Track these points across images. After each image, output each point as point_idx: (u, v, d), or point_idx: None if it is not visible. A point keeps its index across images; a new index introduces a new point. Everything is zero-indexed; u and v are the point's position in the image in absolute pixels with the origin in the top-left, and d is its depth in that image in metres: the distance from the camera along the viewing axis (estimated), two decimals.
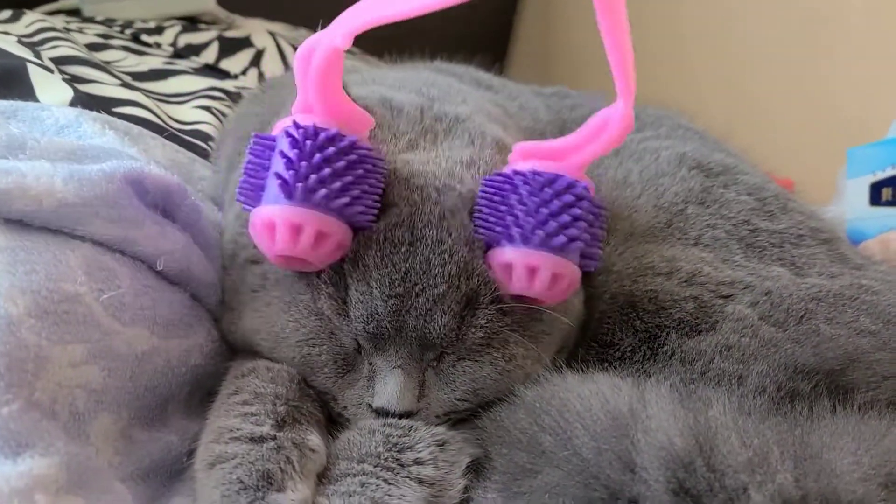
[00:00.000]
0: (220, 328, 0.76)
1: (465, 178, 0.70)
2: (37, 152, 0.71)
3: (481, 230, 0.66)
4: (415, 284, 0.64)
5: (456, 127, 0.77)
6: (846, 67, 1.64)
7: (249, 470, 0.56)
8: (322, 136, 0.61)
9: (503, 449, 0.61)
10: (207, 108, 1.22)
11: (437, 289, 0.64)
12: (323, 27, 0.61)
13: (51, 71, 1.05)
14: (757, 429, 0.56)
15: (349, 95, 0.74)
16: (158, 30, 1.63)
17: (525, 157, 0.68)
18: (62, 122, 0.82)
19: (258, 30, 1.80)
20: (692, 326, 0.72)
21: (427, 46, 1.20)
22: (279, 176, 0.61)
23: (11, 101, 0.85)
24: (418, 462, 0.60)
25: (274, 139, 0.64)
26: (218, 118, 1.19)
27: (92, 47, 1.40)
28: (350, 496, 0.57)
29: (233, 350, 0.75)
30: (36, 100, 0.96)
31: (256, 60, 1.63)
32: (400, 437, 0.62)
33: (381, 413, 0.65)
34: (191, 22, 1.76)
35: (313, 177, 0.60)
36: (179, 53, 1.57)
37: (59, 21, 1.50)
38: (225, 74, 1.52)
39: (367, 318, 0.64)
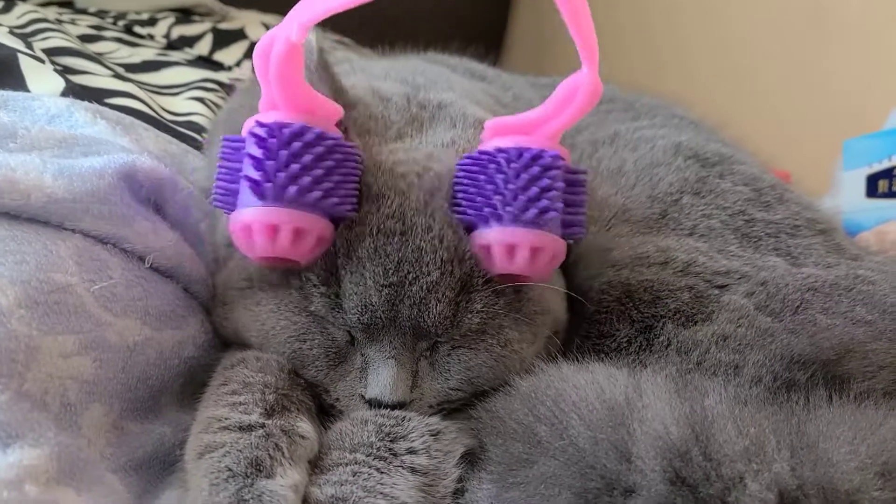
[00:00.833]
0: (212, 320, 0.76)
1: (443, 158, 0.70)
2: (27, 141, 0.71)
3: (460, 216, 0.66)
4: (408, 273, 0.63)
5: (439, 113, 0.76)
6: (843, 59, 1.63)
7: (238, 458, 0.55)
8: (286, 132, 0.60)
9: (498, 439, 0.61)
10: (201, 100, 1.21)
11: (431, 276, 0.63)
12: None
13: (42, 61, 1.04)
14: (753, 418, 0.56)
15: (342, 87, 0.74)
16: (151, 21, 1.62)
17: (496, 134, 0.67)
18: (53, 111, 0.82)
19: (252, 22, 1.79)
20: (688, 316, 0.72)
21: (421, 37, 1.19)
22: (249, 178, 0.60)
23: (2, 91, 0.84)
24: (411, 451, 0.60)
25: (242, 141, 0.63)
26: (211, 109, 1.19)
27: (84, 39, 1.39)
28: (342, 485, 0.56)
29: (225, 342, 0.75)
30: (27, 90, 0.96)
31: (251, 52, 1.62)
32: (393, 426, 0.62)
33: (373, 404, 0.65)
34: (184, 14, 1.75)
35: (281, 175, 0.59)
36: (173, 45, 1.56)
37: (51, 12, 1.49)
38: (219, 66, 1.52)
39: (362, 309, 0.63)
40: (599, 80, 0.61)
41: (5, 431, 0.51)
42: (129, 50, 1.43)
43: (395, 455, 0.60)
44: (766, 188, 0.85)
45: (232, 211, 0.63)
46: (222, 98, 1.24)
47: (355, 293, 0.63)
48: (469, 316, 0.65)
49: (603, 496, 0.52)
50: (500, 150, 0.64)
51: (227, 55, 1.57)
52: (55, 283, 0.61)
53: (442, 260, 0.64)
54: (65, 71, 1.07)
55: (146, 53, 1.44)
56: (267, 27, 1.77)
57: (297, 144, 0.60)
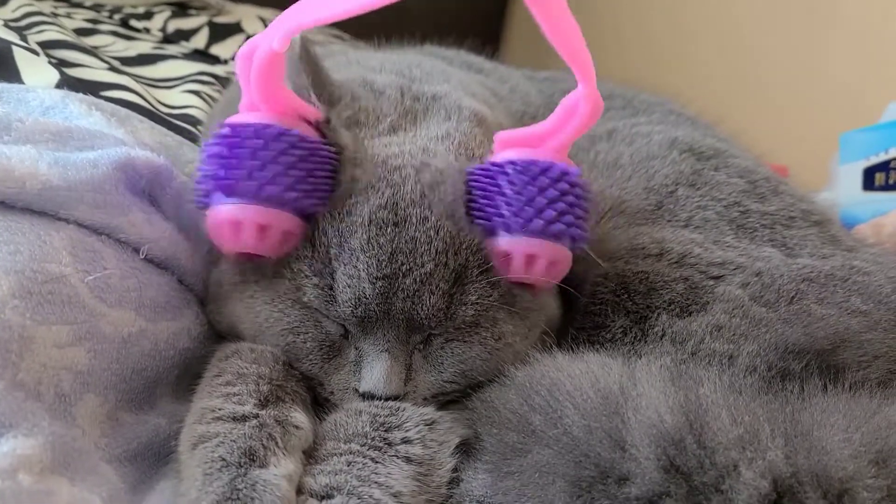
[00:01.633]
0: (206, 312, 0.76)
1: (440, 152, 0.70)
2: (21, 133, 0.70)
3: (478, 221, 0.66)
4: (402, 265, 0.63)
5: (433, 105, 0.77)
6: (840, 53, 1.63)
7: (231, 448, 0.55)
8: (249, 130, 0.62)
9: (493, 429, 0.61)
10: (197, 93, 1.21)
11: (425, 268, 0.63)
12: None
13: (37, 54, 1.04)
14: (748, 407, 0.56)
15: (328, 80, 0.74)
16: (147, 15, 1.61)
17: (508, 146, 0.68)
18: (48, 103, 0.81)
19: (249, 15, 1.79)
20: (683, 307, 0.72)
21: (419, 31, 1.19)
22: (212, 176, 0.62)
23: None
24: (406, 441, 0.60)
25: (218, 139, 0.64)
26: (207, 103, 1.19)
27: (80, 32, 1.39)
28: (336, 474, 0.57)
29: (220, 334, 0.75)
30: (21, 83, 0.95)
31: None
32: (387, 416, 0.62)
33: (367, 398, 0.65)
34: (180, 7, 1.75)
35: (240, 171, 0.61)
36: (169, 38, 1.56)
37: (46, 5, 1.49)
38: (215, 60, 1.52)
39: (356, 301, 0.63)
40: (599, 95, 0.62)
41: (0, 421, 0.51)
42: (124, 43, 1.43)
43: (389, 445, 0.60)
44: (760, 180, 0.85)
45: (206, 208, 0.64)
46: (218, 91, 1.24)
47: (349, 285, 0.63)
48: (463, 308, 0.65)
49: (597, 484, 0.52)
50: (530, 162, 0.65)
51: (223, 49, 1.57)
52: (49, 274, 0.61)
53: (437, 250, 0.64)
54: (60, 64, 1.07)
55: (142, 47, 1.44)
56: (263, 21, 1.76)
57: (256, 141, 0.61)
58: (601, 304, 0.74)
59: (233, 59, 1.54)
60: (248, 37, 1.65)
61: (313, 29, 0.71)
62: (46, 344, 0.58)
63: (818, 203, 0.89)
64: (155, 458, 0.65)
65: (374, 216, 0.64)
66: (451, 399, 0.68)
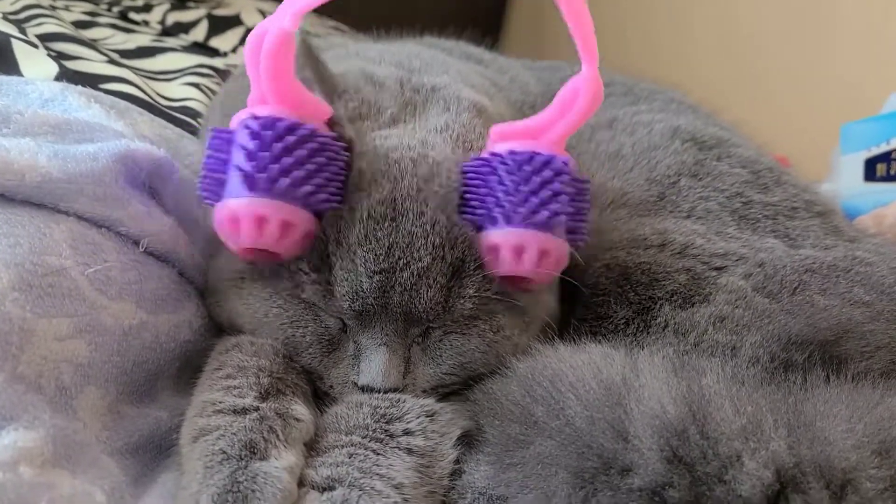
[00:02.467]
0: (206, 305, 0.75)
1: (437, 144, 0.69)
2: (21, 126, 0.70)
3: (467, 216, 0.66)
4: (399, 259, 0.63)
5: (433, 96, 0.76)
6: (841, 44, 1.63)
7: (232, 441, 0.55)
8: (281, 125, 0.60)
9: (495, 420, 0.61)
10: (196, 85, 1.21)
11: (422, 262, 0.63)
12: None
13: (35, 46, 1.03)
14: (750, 397, 0.56)
15: (328, 73, 0.73)
16: (146, 7, 1.61)
17: (502, 139, 0.67)
18: (47, 95, 0.81)
19: (248, 8, 1.78)
20: (685, 298, 0.72)
21: (419, 22, 1.18)
22: (240, 168, 0.60)
23: None
24: (407, 433, 0.60)
25: (232, 132, 0.62)
26: (207, 95, 1.18)
27: (79, 25, 1.38)
28: (338, 466, 0.56)
29: (220, 328, 0.75)
30: (20, 75, 0.95)
31: (246, 38, 1.62)
32: (388, 408, 0.62)
33: (366, 391, 0.65)
34: (179, 0, 1.74)
35: (275, 167, 0.59)
36: (168, 31, 1.55)
37: None
38: (214, 52, 1.51)
39: (353, 295, 0.63)
40: (600, 79, 0.61)
41: (0, 414, 0.51)
42: (123, 36, 1.43)
43: (390, 436, 0.60)
44: (763, 170, 0.84)
45: (217, 202, 0.62)
46: (217, 84, 1.24)
47: (346, 280, 0.63)
48: (461, 301, 0.65)
49: (600, 475, 0.52)
50: (511, 153, 0.64)
51: (222, 41, 1.57)
52: (49, 266, 0.60)
53: (433, 245, 0.63)
54: (59, 57, 1.07)
55: (141, 39, 1.43)
56: (263, 13, 1.76)
57: (291, 138, 0.60)
58: (603, 295, 0.74)
59: (233, 51, 1.53)
60: (248, 29, 1.65)
61: (314, 22, 0.71)
62: (47, 336, 0.58)
63: (821, 194, 0.88)
64: (156, 451, 0.65)
65: (372, 211, 0.64)
66: (451, 391, 0.68)
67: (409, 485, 0.57)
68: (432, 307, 0.64)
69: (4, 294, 0.56)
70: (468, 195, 0.66)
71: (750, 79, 1.84)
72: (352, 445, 0.59)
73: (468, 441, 0.63)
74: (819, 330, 0.68)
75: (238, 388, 0.61)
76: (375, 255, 0.63)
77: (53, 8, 1.42)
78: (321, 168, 0.62)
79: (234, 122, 0.63)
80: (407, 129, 0.71)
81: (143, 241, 0.69)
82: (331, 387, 0.67)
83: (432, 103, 0.75)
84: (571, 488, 0.53)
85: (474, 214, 0.65)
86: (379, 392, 0.64)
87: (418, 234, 0.63)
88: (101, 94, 0.88)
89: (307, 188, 0.60)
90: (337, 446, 0.59)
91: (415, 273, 0.63)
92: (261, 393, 0.61)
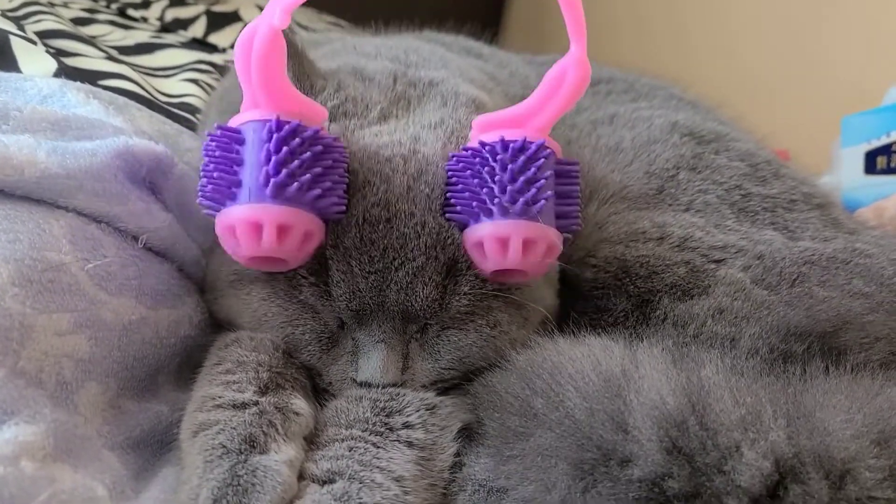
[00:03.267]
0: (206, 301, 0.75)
1: (429, 140, 0.68)
2: (20, 122, 0.70)
3: (451, 215, 0.65)
4: (393, 259, 0.63)
5: (430, 91, 0.75)
6: (841, 36, 1.62)
7: (232, 435, 0.55)
8: (286, 127, 0.59)
9: (495, 413, 0.61)
10: (195, 81, 1.21)
11: (416, 262, 0.63)
12: None
13: (34, 43, 1.03)
14: (750, 388, 0.56)
15: (309, 70, 0.72)
16: (145, 4, 1.61)
17: (482, 130, 0.66)
18: (45, 91, 0.81)
19: (246, 4, 1.78)
20: (684, 290, 0.72)
21: (418, 16, 1.18)
22: (246, 174, 0.59)
23: None
24: (407, 426, 0.60)
25: (229, 135, 0.61)
26: (206, 91, 1.18)
27: (77, 21, 1.38)
28: (338, 459, 0.57)
29: (219, 323, 0.75)
30: (19, 72, 0.95)
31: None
32: (388, 401, 0.62)
33: (365, 387, 0.64)
34: None
35: (283, 171, 0.58)
36: (167, 27, 1.55)
37: None
38: (213, 48, 1.51)
39: (350, 296, 0.63)
40: (587, 59, 0.60)
41: (1, 409, 0.52)
42: (122, 33, 1.43)
43: (390, 430, 0.60)
44: (762, 163, 0.84)
45: (217, 210, 0.61)
46: (216, 79, 1.24)
47: (342, 281, 0.63)
48: (457, 298, 0.65)
49: (599, 466, 0.52)
50: (483, 145, 0.63)
51: (221, 37, 1.56)
52: (49, 262, 0.60)
53: (426, 245, 0.63)
54: (58, 53, 1.07)
55: (140, 36, 1.43)
56: (261, 9, 1.75)
57: (296, 141, 0.59)
58: (602, 288, 0.74)
59: (231, 47, 1.53)
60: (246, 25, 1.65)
61: (312, 18, 0.70)
62: (47, 332, 0.58)
63: (820, 186, 0.88)
64: (157, 446, 0.65)
65: (368, 214, 0.63)
66: (451, 385, 0.68)
67: (409, 477, 0.57)
68: (428, 305, 0.64)
69: (4, 290, 0.56)
70: (451, 193, 0.65)
71: (750, 72, 1.84)
72: (352, 439, 0.59)
73: (468, 434, 0.63)
74: (818, 321, 0.68)
75: (237, 382, 0.61)
76: (370, 256, 0.63)
77: (52, 5, 1.42)
78: (326, 171, 0.61)
79: (235, 123, 0.62)
80: (399, 125, 0.71)
81: (143, 237, 0.69)
82: (330, 383, 0.67)
83: (429, 98, 0.75)
84: (571, 479, 0.53)
85: (457, 213, 0.64)
86: (378, 388, 0.64)
87: (410, 236, 0.63)
88: (100, 90, 0.88)
89: (315, 192, 0.59)
90: (337, 440, 0.59)
91: (410, 272, 0.63)
92: (260, 387, 0.61)
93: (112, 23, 1.47)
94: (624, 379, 0.56)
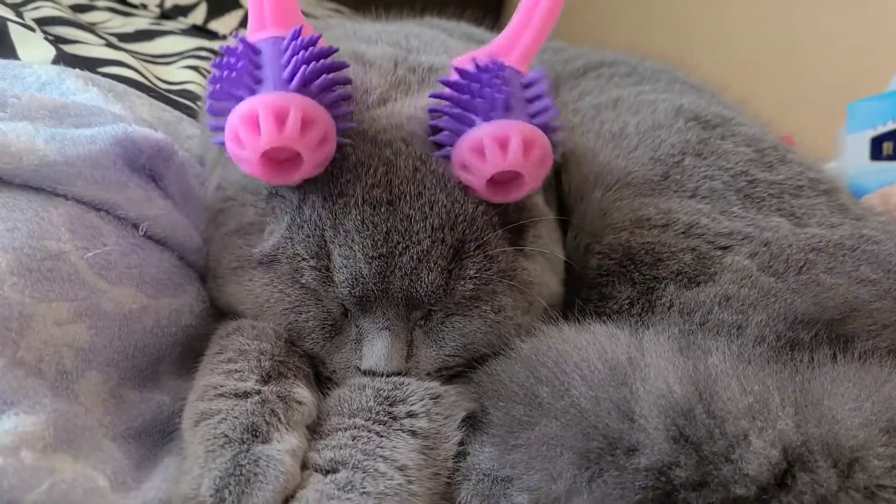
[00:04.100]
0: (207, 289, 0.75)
1: (426, 120, 0.68)
2: (17, 110, 0.69)
3: (447, 133, 0.65)
4: (398, 244, 0.62)
5: (430, 76, 0.75)
6: (847, 21, 1.61)
7: (233, 424, 0.55)
8: (309, 36, 0.61)
9: (500, 402, 0.61)
10: (195, 68, 1.20)
11: (421, 245, 0.62)
12: None
13: (32, 30, 1.02)
14: (757, 376, 0.55)
15: None
16: None
17: (456, 65, 0.68)
18: (44, 78, 0.80)
19: None
20: (690, 278, 0.71)
21: (420, 2, 1.17)
22: (268, 72, 0.60)
23: None
24: (411, 415, 0.60)
25: (246, 45, 0.63)
26: (206, 78, 1.17)
27: (76, 9, 1.37)
28: (341, 449, 0.56)
29: (221, 312, 0.74)
30: (17, 59, 0.94)
31: (246, 21, 1.60)
32: (391, 390, 0.61)
33: (369, 375, 0.64)
34: None
35: (308, 68, 0.59)
36: (166, 14, 1.54)
37: None
38: (213, 35, 1.50)
39: (352, 282, 0.63)
40: None
41: (0, 399, 0.51)
42: (121, 20, 1.41)
43: (394, 419, 0.59)
44: (768, 149, 0.83)
45: (227, 114, 0.60)
46: None
47: (345, 266, 0.63)
48: (462, 283, 0.65)
49: (605, 455, 0.52)
50: (457, 70, 0.66)
51: (221, 24, 1.55)
52: (48, 251, 0.60)
53: (433, 227, 0.63)
54: (57, 40, 1.06)
55: (139, 23, 1.42)
56: None
57: (315, 49, 0.61)
58: (607, 275, 0.74)
59: (231, 34, 1.52)
60: (247, 12, 1.64)
61: (313, 4, 0.70)
62: (46, 321, 0.57)
63: (826, 171, 0.88)
64: (159, 435, 0.65)
65: (367, 195, 0.63)
66: (455, 374, 0.67)
67: (413, 466, 0.56)
68: (433, 290, 0.63)
69: (3, 278, 0.56)
70: (444, 111, 0.66)
71: (755, 56, 1.83)
72: (355, 428, 0.58)
73: (473, 423, 0.62)
74: (825, 309, 0.67)
75: (239, 371, 0.61)
76: (374, 240, 0.62)
77: None
78: (341, 81, 0.63)
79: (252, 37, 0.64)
80: (395, 108, 0.70)
81: (143, 225, 0.69)
82: (333, 371, 0.67)
83: (429, 84, 0.74)
84: (577, 469, 0.53)
85: (455, 129, 0.65)
86: (382, 376, 0.63)
87: (416, 218, 0.63)
88: (99, 77, 0.87)
89: (336, 93, 0.61)
90: (340, 429, 0.59)
91: (414, 257, 0.62)
92: (262, 376, 0.60)
93: (111, 10, 1.46)
94: (630, 367, 0.56)
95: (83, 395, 0.59)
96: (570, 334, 0.62)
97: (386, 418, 0.59)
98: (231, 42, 0.64)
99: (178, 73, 1.17)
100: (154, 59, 1.24)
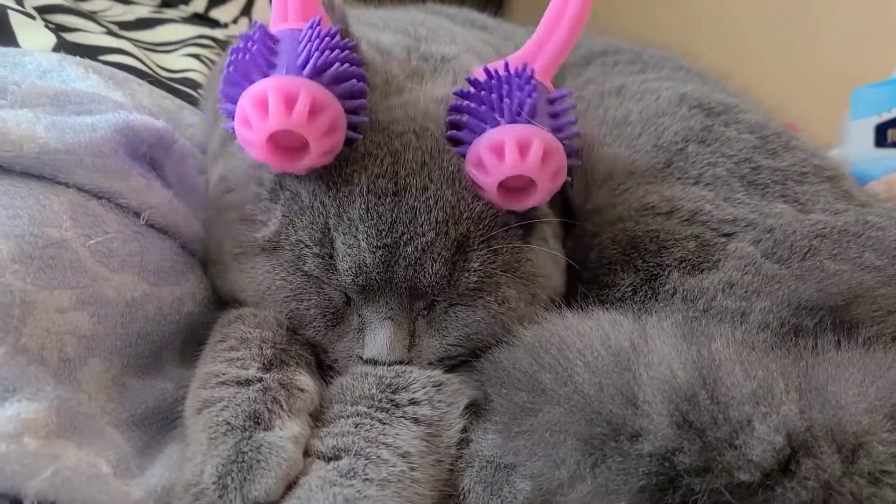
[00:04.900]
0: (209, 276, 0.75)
1: (442, 115, 0.68)
2: (18, 97, 0.69)
3: (467, 131, 0.65)
4: (402, 234, 0.62)
5: (442, 67, 0.75)
6: (851, 8, 1.60)
7: (236, 411, 0.55)
8: (328, 28, 0.62)
9: (503, 389, 0.60)
10: (196, 56, 1.19)
11: (425, 237, 0.62)
12: None
13: (33, 18, 1.02)
14: (761, 361, 0.55)
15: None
16: None
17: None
18: (44, 66, 0.80)
19: None
20: (694, 265, 0.71)
21: None
22: (283, 59, 0.60)
23: None
24: (413, 402, 0.60)
25: (264, 33, 0.63)
26: (207, 66, 1.17)
27: None
28: (343, 436, 0.56)
29: (223, 300, 0.74)
30: (17, 46, 0.93)
31: (247, 9, 1.59)
32: (394, 378, 0.61)
33: (371, 364, 0.64)
34: None
35: (322, 56, 0.59)
36: (167, 2, 1.53)
37: None
38: (215, 23, 1.49)
39: (356, 270, 0.62)
40: None
41: (3, 386, 0.51)
42: (122, 7, 1.40)
43: (397, 406, 0.59)
44: (771, 136, 0.83)
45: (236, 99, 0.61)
46: (218, 54, 1.22)
47: (349, 254, 0.62)
48: (466, 275, 0.64)
49: (609, 441, 0.52)
50: (486, 71, 0.66)
51: (222, 12, 1.54)
52: (49, 238, 0.60)
53: (437, 220, 0.63)
54: (57, 28, 1.05)
55: (140, 11, 1.41)
56: None
57: (333, 40, 0.61)
58: (611, 262, 0.73)
59: (234, 22, 1.51)
60: (249, 0, 1.63)
61: None
62: (48, 308, 0.57)
63: (830, 158, 0.87)
64: (162, 423, 0.65)
65: (372, 185, 0.63)
66: (458, 363, 0.67)
67: (415, 454, 0.56)
68: (437, 281, 0.63)
69: (5, 266, 0.55)
70: (466, 107, 0.66)
71: (759, 43, 1.82)
72: (358, 415, 0.58)
73: (476, 410, 0.62)
74: (829, 295, 0.67)
75: (241, 359, 0.61)
76: (378, 230, 0.62)
77: None
78: (357, 75, 0.63)
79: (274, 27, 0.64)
80: (411, 99, 0.70)
81: (144, 213, 0.69)
82: (335, 360, 0.67)
83: (440, 74, 0.74)
84: (580, 455, 0.52)
85: (475, 128, 0.65)
86: (384, 366, 0.63)
87: (421, 210, 0.63)
88: (100, 64, 0.87)
89: (349, 84, 0.61)
90: (343, 416, 0.59)
91: (419, 248, 0.62)
92: (264, 364, 0.60)
93: None
94: (633, 353, 0.55)
95: (86, 382, 0.59)
96: (573, 321, 0.62)
97: (388, 406, 0.59)
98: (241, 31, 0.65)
99: (178, 62, 1.16)
100: (155, 47, 1.23)
